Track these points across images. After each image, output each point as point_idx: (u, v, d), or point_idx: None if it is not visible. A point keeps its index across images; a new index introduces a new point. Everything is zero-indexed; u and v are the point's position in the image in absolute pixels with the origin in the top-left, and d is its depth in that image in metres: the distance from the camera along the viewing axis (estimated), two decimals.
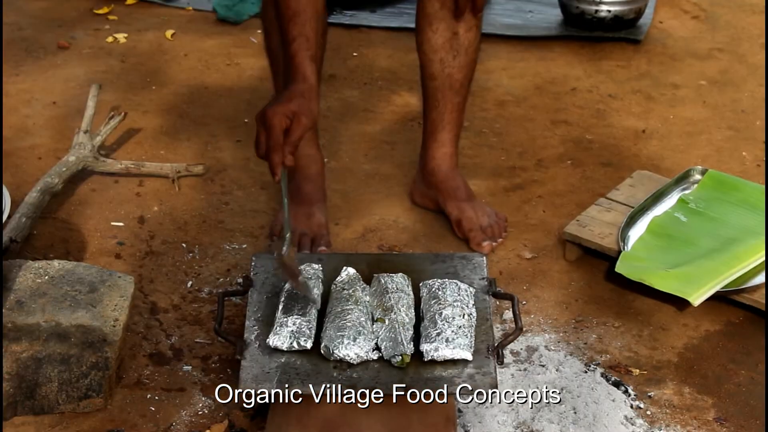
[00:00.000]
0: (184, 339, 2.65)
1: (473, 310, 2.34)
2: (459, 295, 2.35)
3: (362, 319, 2.30)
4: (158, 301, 2.77)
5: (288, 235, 2.38)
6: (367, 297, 2.38)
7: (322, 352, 2.24)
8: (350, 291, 2.37)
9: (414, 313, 2.36)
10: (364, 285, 2.42)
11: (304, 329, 2.29)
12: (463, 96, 2.99)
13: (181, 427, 2.40)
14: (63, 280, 2.50)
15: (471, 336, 2.27)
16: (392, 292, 2.36)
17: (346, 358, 2.23)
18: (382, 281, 2.41)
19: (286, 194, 2.39)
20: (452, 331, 2.25)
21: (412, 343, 2.27)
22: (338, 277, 2.44)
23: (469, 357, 2.23)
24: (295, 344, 2.27)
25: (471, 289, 2.39)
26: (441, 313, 2.29)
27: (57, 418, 2.40)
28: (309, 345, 2.27)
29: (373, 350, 2.25)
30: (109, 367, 2.40)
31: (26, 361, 2.36)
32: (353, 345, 2.23)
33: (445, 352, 2.22)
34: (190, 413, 2.43)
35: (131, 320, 2.64)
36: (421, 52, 2.97)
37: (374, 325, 2.31)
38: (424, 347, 2.23)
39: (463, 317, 2.29)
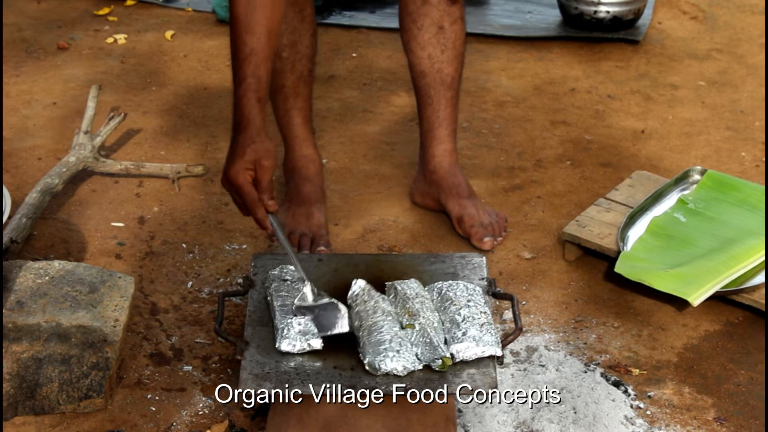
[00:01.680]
0: (184, 339, 2.65)
1: (486, 308, 2.34)
2: (469, 294, 2.35)
3: (395, 329, 2.26)
4: (158, 301, 2.77)
5: (307, 286, 2.35)
6: (390, 306, 2.35)
7: (368, 369, 2.21)
8: (373, 303, 2.32)
9: (438, 316, 2.35)
10: (381, 295, 2.39)
11: (310, 328, 2.29)
12: (456, 90, 3.00)
13: (181, 427, 2.40)
14: (63, 280, 2.50)
15: (495, 332, 2.27)
16: (413, 297, 2.34)
17: (395, 371, 2.19)
18: (399, 288, 2.38)
19: (285, 239, 2.37)
20: (477, 330, 2.25)
21: (446, 345, 2.26)
22: (351, 291, 2.38)
23: (499, 352, 2.23)
24: (306, 345, 2.26)
25: (477, 288, 2.39)
26: (460, 313, 2.29)
27: (57, 419, 2.41)
28: (320, 345, 2.27)
29: (416, 359, 2.24)
30: (110, 367, 2.40)
31: (27, 361, 2.36)
32: (399, 358, 2.19)
33: (476, 351, 2.22)
34: (191, 413, 2.44)
35: (131, 320, 2.64)
36: (408, 51, 2.97)
37: (403, 332, 2.28)
38: (453, 348, 2.23)
39: (482, 315, 2.29)
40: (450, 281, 2.40)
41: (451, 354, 2.23)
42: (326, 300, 2.32)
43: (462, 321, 2.27)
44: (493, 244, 2.96)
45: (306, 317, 2.30)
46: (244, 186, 2.33)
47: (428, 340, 2.24)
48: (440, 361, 2.22)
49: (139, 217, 3.09)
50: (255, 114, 2.37)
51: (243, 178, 2.33)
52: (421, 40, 2.93)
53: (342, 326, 2.30)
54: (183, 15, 4.33)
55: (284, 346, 2.25)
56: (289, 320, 2.29)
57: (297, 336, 2.26)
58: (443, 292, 2.37)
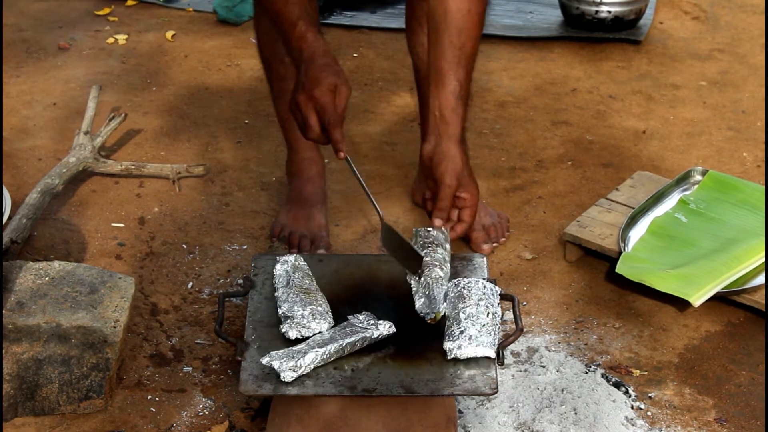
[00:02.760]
0: (184, 340, 2.65)
1: (498, 308, 2.33)
2: (484, 293, 2.35)
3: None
4: (159, 302, 2.77)
5: (381, 217, 2.41)
6: None
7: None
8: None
9: (449, 267, 2.39)
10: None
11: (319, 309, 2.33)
12: None
13: (181, 428, 2.40)
14: (63, 281, 2.50)
15: (495, 334, 2.26)
16: (428, 245, 2.40)
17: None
18: (421, 234, 2.46)
19: (359, 174, 2.41)
20: (476, 330, 2.24)
21: (445, 301, 2.31)
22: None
23: (492, 354, 2.23)
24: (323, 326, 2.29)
25: (496, 288, 2.39)
26: (465, 311, 2.29)
27: (57, 419, 2.41)
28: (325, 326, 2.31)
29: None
30: (110, 368, 2.40)
31: (27, 362, 2.36)
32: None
33: (469, 350, 2.21)
34: (191, 414, 2.43)
35: (132, 321, 2.64)
36: (414, 54, 2.97)
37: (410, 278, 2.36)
38: (447, 345, 2.23)
39: (488, 316, 2.29)
40: (470, 278, 2.40)
41: (446, 351, 2.23)
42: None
43: (465, 319, 2.26)
44: (492, 249, 2.95)
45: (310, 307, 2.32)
46: (329, 105, 2.33)
47: (428, 292, 2.30)
48: (433, 315, 2.27)
49: (139, 217, 3.09)
50: (322, 44, 2.40)
51: (328, 98, 2.33)
52: (426, 44, 2.92)
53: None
54: (183, 15, 4.33)
55: (296, 331, 2.27)
56: (301, 311, 2.30)
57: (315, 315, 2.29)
58: (459, 288, 2.36)
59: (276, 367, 2.16)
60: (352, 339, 2.23)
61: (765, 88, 3.82)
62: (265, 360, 2.18)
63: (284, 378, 2.15)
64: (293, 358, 2.17)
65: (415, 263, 2.35)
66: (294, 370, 2.16)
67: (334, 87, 2.34)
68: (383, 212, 2.43)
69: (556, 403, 2.46)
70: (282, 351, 2.20)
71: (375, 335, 2.25)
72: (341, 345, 2.22)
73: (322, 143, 2.40)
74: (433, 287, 2.32)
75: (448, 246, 2.44)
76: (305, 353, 2.18)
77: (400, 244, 2.37)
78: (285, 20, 2.44)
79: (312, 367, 2.19)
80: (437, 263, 2.37)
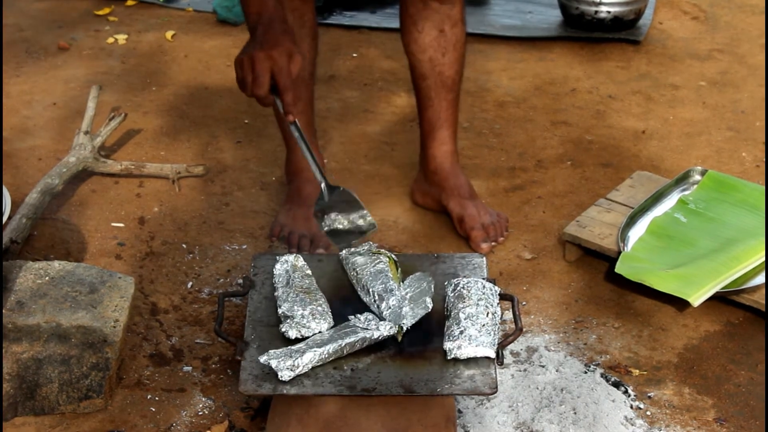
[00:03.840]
0: (184, 340, 2.65)
1: (497, 308, 2.34)
2: (484, 293, 2.35)
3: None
4: (158, 301, 2.77)
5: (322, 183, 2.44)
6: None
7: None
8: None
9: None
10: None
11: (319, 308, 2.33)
12: (456, 92, 3.00)
13: (181, 428, 2.40)
14: (63, 280, 2.50)
15: (495, 334, 2.27)
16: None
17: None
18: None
19: (302, 135, 2.43)
20: (476, 330, 2.24)
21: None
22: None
23: (492, 354, 2.23)
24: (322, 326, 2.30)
25: (496, 288, 2.39)
26: (465, 311, 2.29)
27: (57, 419, 2.41)
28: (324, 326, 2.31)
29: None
30: (110, 367, 2.40)
31: (27, 361, 2.36)
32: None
33: (468, 350, 2.22)
34: (191, 414, 2.43)
35: (131, 321, 2.64)
36: (409, 53, 2.98)
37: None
38: (447, 345, 2.23)
39: (487, 316, 2.29)
40: (470, 278, 2.40)
41: (446, 351, 2.23)
42: (338, 189, 2.43)
43: (464, 319, 2.27)
44: (490, 248, 2.96)
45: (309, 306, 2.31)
46: (285, 68, 2.37)
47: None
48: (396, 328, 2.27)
49: (139, 217, 3.09)
50: (282, 13, 2.45)
51: (285, 60, 2.37)
52: (422, 43, 2.93)
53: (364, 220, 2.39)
54: (183, 15, 4.33)
55: (296, 330, 2.28)
56: (300, 310, 2.30)
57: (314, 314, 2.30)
58: (458, 288, 2.36)
59: (274, 366, 2.16)
60: (352, 339, 2.23)
61: (765, 89, 3.82)
62: (263, 359, 2.18)
63: (282, 377, 2.16)
64: (291, 357, 2.17)
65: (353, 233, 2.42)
66: (292, 370, 2.16)
67: (290, 53, 2.38)
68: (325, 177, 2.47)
69: (556, 402, 2.46)
70: (280, 350, 2.21)
71: (375, 336, 2.25)
72: (340, 345, 2.22)
73: (266, 104, 2.42)
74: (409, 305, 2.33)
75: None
76: (303, 352, 2.19)
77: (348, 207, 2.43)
78: None
79: (310, 366, 2.19)
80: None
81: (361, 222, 2.46)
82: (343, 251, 2.47)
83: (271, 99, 2.42)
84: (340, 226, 2.47)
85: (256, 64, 2.37)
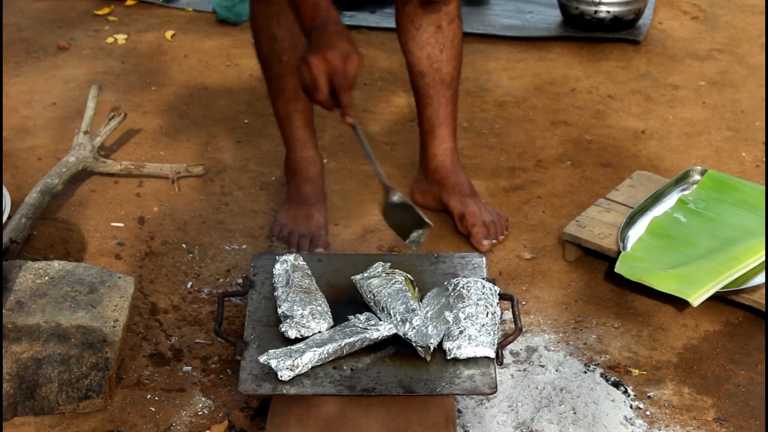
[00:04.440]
0: (184, 339, 2.65)
1: (497, 308, 2.33)
2: (483, 293, 2.34)
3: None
4: (158, 301, 2.77)
5: (386, 186, 2.38)
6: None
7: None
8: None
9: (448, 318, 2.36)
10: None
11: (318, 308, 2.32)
12: (455, 89, 3.00)
13: (181, 428, 2.40)
14: (63, 280, 2.50)
15: (494, 334, 2.26)
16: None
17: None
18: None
19: (365, 141, 2.38)
20: (476, 330, 2.24)
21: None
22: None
23: (492, 354, 2.22)
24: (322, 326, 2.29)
25: (495, 288, 2.38)
26: (464, 311, 2.29)
27: (57, 419, 2.41)
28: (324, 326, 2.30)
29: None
30: (109, 367, 2.40)
31: (26, 361, 2.36)
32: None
33: (468, 350, 2.21)
34: (190, 413, 2.43)
35: (131, 321, 2.64)
36: (407, 51, 2.97)
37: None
38: (447, 345, 2.23)
39: (487, 315, 2.29)
40: (469, 278, 2.39)
41: (445, 350, 2.22)
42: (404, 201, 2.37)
43: (464, 319, 2.26)
44: (491, 245, 2.96)
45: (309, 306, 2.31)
46: (340, 69, 2.31)
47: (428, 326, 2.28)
48: (422, 346, 2.24)
49: (139, 217, 3.09)
50: (336, 14, 2.40)
51: (341, 62, 2.32)
52: (419, 40, 2.93)
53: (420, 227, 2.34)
54: (183, 15, 4.33)
55: (296, 330, 2.27)
56: (300, 310, 2.30)
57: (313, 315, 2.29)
58: (458, 288, 2.36)
59: (273, 366, 2.16)
60: (352, 339, 2.23)
61: (764, 88, 3.82)
62: (262, 359, 2.18)
63: (281, 377, 2.16)
64: (291, 357, 2.17)
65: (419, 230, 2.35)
66: (291, 369, 2.16)
67: (347, 53, 2.33)
68: (390, 183, 2.40)
69: (555, 402, 2.46)
70: (280, 350, 2.21)
71: (375, 336, 2.25)
72: (340, 345, 2.22)
73: (328, 107, 2.36)
74: (435, 322, 2.29)
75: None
76: (303, 352, 2.19)
77: (407, 215, 2.35)
78: None
79: (310, 366, 2.19)
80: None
81: (417, 224, 2.41)
82: (357, 276, 2.44)
83: (332, 103, 2.36)
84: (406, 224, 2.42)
85: (312, 68, 2.32)
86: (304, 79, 2.34)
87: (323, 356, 2.20)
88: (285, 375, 2.16)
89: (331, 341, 2.22)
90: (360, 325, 2.26)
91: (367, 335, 2.24)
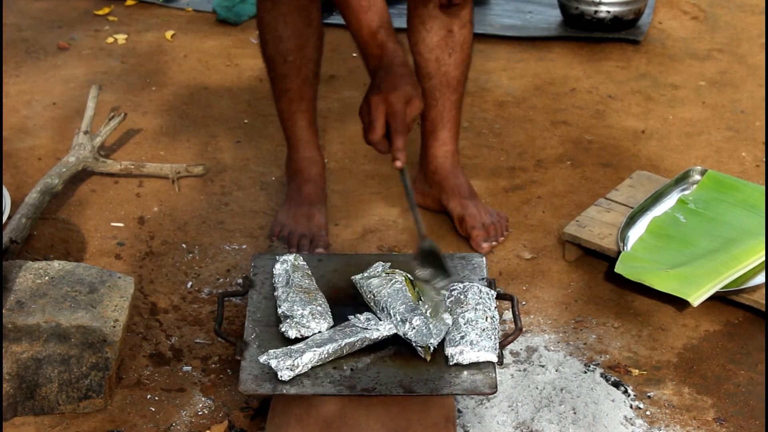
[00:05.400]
0: (184, 339, 2.65)
1: (495, 312, 2.33)
2: (481, 298, 2.34)
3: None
4: (158, 301, 2.77)
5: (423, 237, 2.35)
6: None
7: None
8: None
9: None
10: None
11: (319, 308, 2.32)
12: (461, 93, 3.00)
13: (181, 428, 2.40)
14: (63, 280, 2.50)
15: (495, 338, 2.26)
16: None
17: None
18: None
19: (410, 187, 2.36)
20: (476, 334, 2.24)
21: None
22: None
23: (494, 359, 2.22)
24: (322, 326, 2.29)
25: (492, 292, 2.38)
26: (464, 316, 2.29)
27: (57, 419, 2.41)
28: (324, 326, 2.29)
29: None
30: (109, 367, 2.40)
31: (26, 361, 2.36)
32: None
33: (470, 355, 2.21)
34: (190, 413, 2.44)
35: (131, 321, 2.64)
36: (415, 53, 2.97)
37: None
38: (449, 351, 2.22)
39: (486, 320, 2.29)
40: (465, 283, 2.39)
41: (447, 356, 2.22)
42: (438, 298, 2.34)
43: (464, 324, 2.26)
44: (491, 247, 2.96)
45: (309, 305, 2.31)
46: (401, 112, 2.31)
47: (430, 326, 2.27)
48: (422, 346, 2.24)
49: (138, 217, 3.09)
50: (402, 55, 2.41)
51: (401, 106, 2.32)
52: (429, 43, 2.93)
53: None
54: (183, 15, 4.33)
55: (296, 330, 2.27)
56: (300, 310, 2.31)
57: (312, 314, 2.29)
58: (455, 294, 2.36)
59: (273, 366, 2.16)
60: (352, 339, 2.23)
61: (764, 88, 3.82)
62: (262, 358, 2.18)
63: (281, 377, 2.16)
64: (291, 357, 2.17)
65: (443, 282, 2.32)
66: (291, 369, 2.16)
67: (409, 97, 2.33)
68: (425, 231, 2.39)
69: (555, 402, 2.46)
70: (280, 350, 2.21)
71: (375, 336, 2.25)
72: (340, 345, 2.22)
73: (381, 149, 2.36)
74: (437, 323, 2.29)
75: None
76: (303, 352, 2.19)
77: (436, 265, 2.33)
78: (365, 28, 2.43)
79: (309, 366, 2.19)
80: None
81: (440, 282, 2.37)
82: (356, 276, 2.44)
83: (385, 145, 2.35)
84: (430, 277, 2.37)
85: (372, 109, 2.33)
86: (363, 118, 2.35)
87: (323, 356, 2.20)
88: (285, 375, 2.16)
89: (331, 341, 2.22)
90: (360, 325, 2.26)
91: (367, 335, 2.24)
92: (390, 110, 2.32)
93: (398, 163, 2.32)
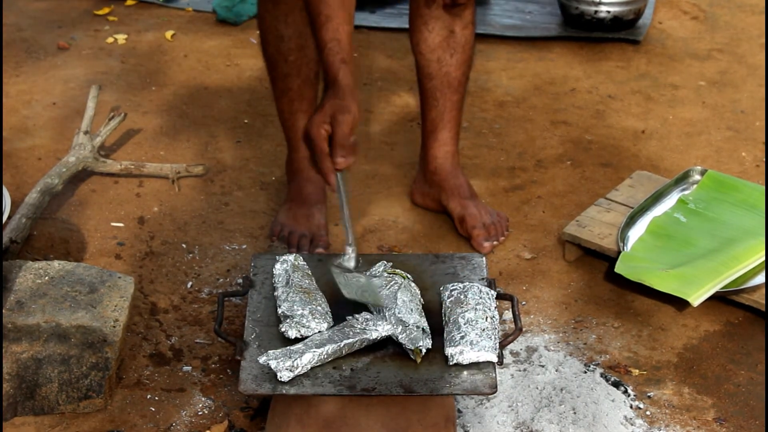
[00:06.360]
0: (184, 339, 2.65)
1: (495, 312, 2.33)
2: (481, 298, 2.34)
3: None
4: (158, 301, 2.77)
5: (351, 247, 2.34)
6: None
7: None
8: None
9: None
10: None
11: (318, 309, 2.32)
12: (462, 94, 3.00)
13: (181, 428, 2.40)
14: (63, 280, 2.50)
15: (495, 338, 2.26)
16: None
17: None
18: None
19: (344, 200, 2.33)
20: (476, 334, 2.24)
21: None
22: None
23: (494, 359, 2.22)
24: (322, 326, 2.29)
25: (492, 292, 2.38)
26: (464, 316, 2.29)
27: (57, 419, 2.41)
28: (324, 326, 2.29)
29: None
30: (109, 367, 2.40)
31: (26, 361, 2.36)
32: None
33: (470, 355, 2.21)
34: (190, 413, 2.44)
35: (131, 321, 2.64)
36: (417, 53, 2.97)
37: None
38: (449, 351, 2.23)
39: (486, 320, 2.29)
40: (465, 283, 2.39)
41: (447, 356, 2.22)
42: (363, 278, 2.32)
43: (464, 324, 2.26)
44: (492, 247, 2.96)
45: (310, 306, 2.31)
46: (317, 138, 2.29)
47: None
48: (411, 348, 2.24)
49: (139, 217, 3.09)
50: (341, 75, 2.37)
51: (316, 131, 2.29)
52: (431, 43, 2.92)
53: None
54: (183, 15, 4.33)
55: (296, 330, 2.27)
56: (301, 310, 2.30)
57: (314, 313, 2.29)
58: (455, 294, 2.36)
59: (273, 367, 2.16)
60: (351, 340, 2.23)
61: (764, 88, 3.82)
62: (262, 359, 2.18)
63: (281, 378, 2.16)
64: (290, 357, 2.17)
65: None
66: (291, 370, 2.16)
67: (330, 118, 2.30)
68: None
69: (555, 402, 2.46)
70: (279, 351, 2.21)
71: (374, 337, 2.25)
72: (339, 346, 2.22)
73: (325, 169, 2.32)
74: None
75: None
76: (302, 353, 2.19)
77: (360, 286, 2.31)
78: (319, 41, 2.41)
79: (309, 367, 2.19)
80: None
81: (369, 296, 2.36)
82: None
83: (329, 163, 2.32)
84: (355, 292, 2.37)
85: (313, 127, 2.31)
86: (304, 137, 2.33)
87: (323, 357, 2.20)
88: (285, 376, 2.16)
89: (330, 342, 2.22)
90: (358, 326, 2.26)
91: (366, 336, 2.24)
92: (310, 139, 2.30)
93: (330, 186, 2.30)
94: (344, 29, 2.42)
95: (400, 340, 2.24)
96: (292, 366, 2.16)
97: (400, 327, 2.25)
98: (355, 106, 2.33)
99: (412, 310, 2.30)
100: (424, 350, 2.23)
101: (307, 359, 2.18)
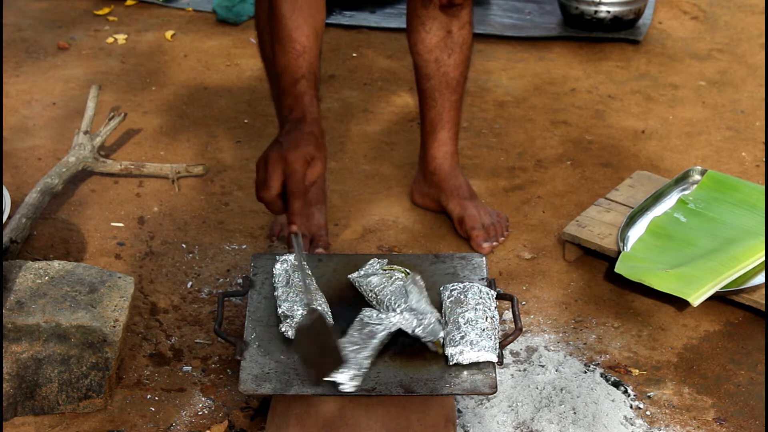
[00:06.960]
0: (184, 339, 2.65)
1: (495, 312, 2.33)
2: (481, 298, 2.34)
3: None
4: (158, 301, 2.77)
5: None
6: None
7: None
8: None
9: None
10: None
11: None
12: (460, 93, 3.00)
13: (180, 428, 2.40)
14: (63, 280, 2.50)
15: (495, 338, 2.26)
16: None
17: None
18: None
19: (301, 253, 2.24)
20: (476, 334, 2.24)
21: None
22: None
23: (494, 359, 2.22)
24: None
25: (492, 292, 2.38)
26: (464, 316, 2.29)
27: (57, 419, 2.41)
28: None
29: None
30: (109, 367, 2.40)
31: (26, 361, 2.36)
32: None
33: (471, 355, 2.21)
34: (190, 413, 2.44)
35: (131, 321, 2.64)
36: (415, 53, 2.97)
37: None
38: (449, 351, 2.23)
39: (486, 320, 2.29)
40: (465, 283, 2.39)
41: (447, 356, 2.23)
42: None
43: (464, 324, 2.26)
44: (492, 248, 2.96)
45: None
46: (298, 172, 2.18)
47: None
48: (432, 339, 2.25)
49: (138, 217, 3.09)
50: (315, 111, 2.32)
51: (300, 165, 2.18)
52: (428, 43, 2.92)
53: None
54: (183, 15, 4.33)
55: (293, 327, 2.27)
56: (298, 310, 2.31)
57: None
58: (455, 294, 2.36)
59: (340, 380, 2.15)
60: (383, 335, 2.22)
61: (764, 88, 3.82)
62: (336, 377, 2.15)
63: (346, 388, 2.14)
64: (352, 366, 2.16)
65: (329, 366, 2.14)
66: (353, 378, 2.16)
67: (311, 158, 2.21)
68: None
69: (555, 402, 2.46)
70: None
71: (393, 322, 2.24)
72: (379, 342, 2.21)
73: (274, 209, 2.21)
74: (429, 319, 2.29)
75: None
76: (358, 352, 2.18)
77: (323, 344, 2.16)
78: (288, 74, 2.34)
79: (368, 364, 2.18)
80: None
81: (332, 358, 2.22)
82: (354, 274, 2.44)
83: (279, 205, 2.20)
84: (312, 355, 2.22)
85: (270, 165, 2.19)
86: (258, 173, 2.21)
87: (372, 353, 2.20)
88: (349, 386, 2.15)
89: (370, 338, 2.21)
90: (374, 322, 2.26)
91: (389, 328, 2.24)
92: (288, 170, 2.18)
93: (293, 228, 2.19)
94: (317, 64, 2.38)
95: (417, 333, 2.24)
96: (357, 373, 2.16)
97: (415, 321, 2.25)
98: (324, 155, 2.24)
99: (422, 301, 2.30)
100: (443, 341, 2.24)
101: (363, 356, 2.18)
